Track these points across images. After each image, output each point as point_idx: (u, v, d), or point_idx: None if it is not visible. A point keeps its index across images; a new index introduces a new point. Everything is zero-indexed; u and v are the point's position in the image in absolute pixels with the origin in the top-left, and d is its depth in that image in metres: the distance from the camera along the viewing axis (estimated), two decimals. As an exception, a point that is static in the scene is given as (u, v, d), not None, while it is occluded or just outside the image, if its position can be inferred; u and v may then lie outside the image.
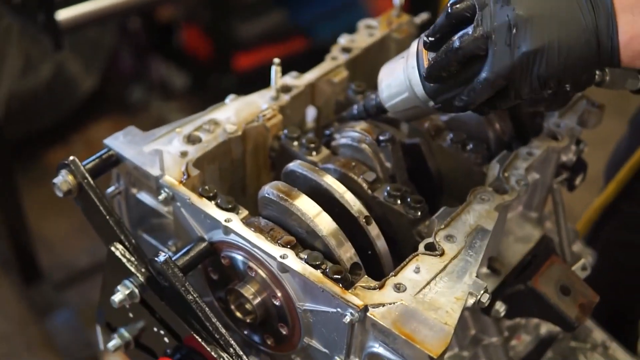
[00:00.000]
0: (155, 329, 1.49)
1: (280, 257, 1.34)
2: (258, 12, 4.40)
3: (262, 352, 1.52)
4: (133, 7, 2.93)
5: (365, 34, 1.82)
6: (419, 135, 1.61)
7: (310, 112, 1.73)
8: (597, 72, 1.37)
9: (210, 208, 1.42)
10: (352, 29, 4.66)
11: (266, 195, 1.42)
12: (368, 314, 1.27)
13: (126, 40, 4.59)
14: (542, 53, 1.27)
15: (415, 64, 1.42)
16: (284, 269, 1.35)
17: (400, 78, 1.46)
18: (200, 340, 1.40)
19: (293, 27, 4.47)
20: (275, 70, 1.60)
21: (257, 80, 4.43)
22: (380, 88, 1.51)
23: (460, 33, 1.33)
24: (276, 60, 1.59)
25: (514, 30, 1.27)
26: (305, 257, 1.35)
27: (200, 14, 4.41)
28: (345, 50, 1.76)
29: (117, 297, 1.45)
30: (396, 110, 1.50)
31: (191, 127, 1.57)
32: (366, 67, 1.80)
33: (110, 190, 1.58)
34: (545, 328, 1.85)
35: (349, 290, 1.30)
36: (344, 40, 1.80)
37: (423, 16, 1.91)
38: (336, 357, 1.38)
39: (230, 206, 1.43)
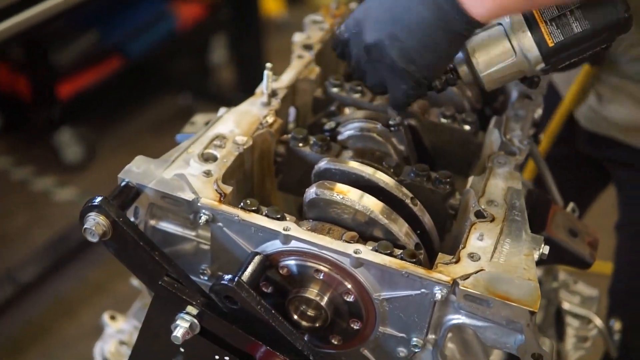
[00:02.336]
0: (217, 358, 1.45)
1: (355, 252, 1.35)
2: (70, 37, 4.23)
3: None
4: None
5: (316, 29, 1.85)
6: (409, 116, 1.66)
7: (291, 113, 1.74)
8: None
9: (262, 221, 1.40)
10: (163, 42, 4.58)
11: (317, 196, 1.42)
12: (460, 286, 1.32)
13: None
14: None
15: (527, 29, 1.40)
16: (360, 263, 1.36)
17: (504, 45, 1.42)
18: (280, 355, 1.39)
19: (107, 47, 4.35)
20: (267, 75, 1.59)
21: (81, 109, 4.34)
22: (476, 60, 1.45)
23: None
24: (268, 65, 1.58)
25: None
26: (375, 247, 1.36)
27: (11, 51, 4.18)
28: (307, 47, 1.78)
29: (179, 332, 1.39)
30: (492, 78, 1.47)
31: (200, 146, 1.53)
32: (326, 59, 1.82)
33: (126, 226, 1.51)
34: (528, 276, 1.97)
35: (433, 270, 1.34)
36: (299, 38, 1.81)
37: (353, 5, 1.96)
38: (414, 338, 1.41)
39: (279, 215, 1.41)
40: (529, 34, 1.41)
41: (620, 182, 2.19)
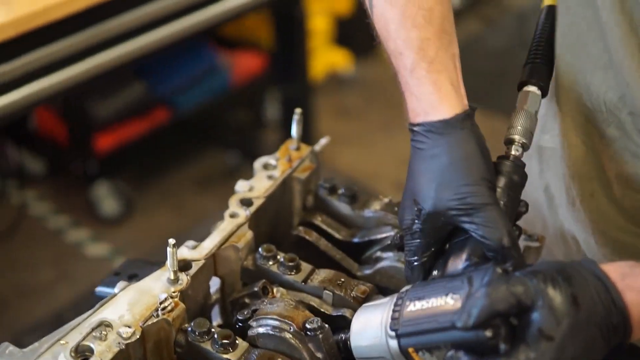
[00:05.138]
0: None
1: None
2: (115, 88, 4.09)
3: None
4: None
5: (263, 177, 1.59)
6: (346, 305, 1.40)
7: (214, 283, 1.49)
8: None
9: None
10: (214, 95, 4.33)
11: None
12: None
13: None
14: None
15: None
16: None
17: (375, 324, 1.25)
18: None
19: (154, 99, 4.18)
20: (171, 253, 1.34)
21: (120, 162, 4.20)
22: (354, 344, 1.30)
23: None
24: (171, 241, 1.34)
25: None
26: None
27: (54, 95, 4.07)
28: (245, 203, 1.52)
29: None
30: (360, 357, 1.29)
31: (78, 336, 1.29)
32: (269, 215, 1.57)
33: None
34: None
35: None
36: (241, 187, 1.56)
37: (322, 142, 1.70)
38: None
39: None
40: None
41: None
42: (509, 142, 1.35)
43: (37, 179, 4.36)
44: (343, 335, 1.33)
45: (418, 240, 1.29)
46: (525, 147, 1.34)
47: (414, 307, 1.20)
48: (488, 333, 1.09)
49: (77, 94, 3.95)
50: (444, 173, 1.26)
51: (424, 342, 1.18)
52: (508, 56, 1.73)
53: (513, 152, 1.33)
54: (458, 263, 1.26)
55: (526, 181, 1.34)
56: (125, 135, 4.09)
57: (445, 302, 1.16)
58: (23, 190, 4.32)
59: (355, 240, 1.55)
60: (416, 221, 1.28)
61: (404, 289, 1.26)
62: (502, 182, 1.29)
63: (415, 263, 1.30)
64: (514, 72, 1.77)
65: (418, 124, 1.28)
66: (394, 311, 1.22)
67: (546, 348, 1.07)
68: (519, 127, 1.35)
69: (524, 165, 1.33)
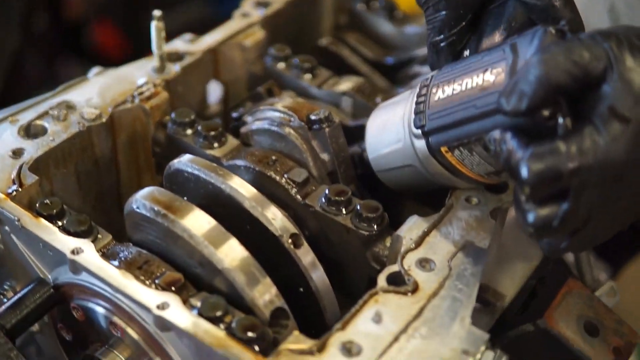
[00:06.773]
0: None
1: (158, 307, 0.84)
2: (178, 3, 3.88)
3: None
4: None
5: (288, -17, 1.33)
6: (368, 114, 1.12)
7: (214, 90, 1.23)
8: None
9: (50, 233, 0.91)
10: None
11: (136, 210, 0.91)
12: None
13: (32, 40, 4.04)
14: None
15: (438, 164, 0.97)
16: (165, 325, 0.84)
17: (395, 124, 0.99)
18: None
19: (219, 19, 3.96)
20: (156, 28, 1.10)
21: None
22: (366, 136, 1.04)
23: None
24: (156, 12, 1.09)
25: None
26: (199, 305, 0.85)
27: (113, 8, 3.89)
28: (261, 4, 1.27)
29: None
30: (381, 169, 1.03)
31: (33, 114, 1.06)
32: (290, 26, 1.31)
33: None
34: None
35: (269, 357, 0.80)
36: (259, -9, 1.31)
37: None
38: None
39: (83, 228, 0.92)
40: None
41: None
42: None
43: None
44: (358, 146, 1.06)
45: (443, 13, 0.98)
46: None
47: (442, 93, 0.92)
48: (545, 112, 0.80)
49: (136, 6, 3.77)
50: None
51: (459, 136, 0.90)
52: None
53: None
54: (496, 37, 0.97)
55: None
56: (186, 54, 3.89)
57: (484, 80, 0.88)
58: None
59: (390, 60, 1.28)
60: None
61: (428, 76, 0.97)
62: None
63: (442, 43, 0.99)
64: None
65: None
66: (417, 104, 0.95)
67: (619, 132, 0.78)
68: None
69: None
